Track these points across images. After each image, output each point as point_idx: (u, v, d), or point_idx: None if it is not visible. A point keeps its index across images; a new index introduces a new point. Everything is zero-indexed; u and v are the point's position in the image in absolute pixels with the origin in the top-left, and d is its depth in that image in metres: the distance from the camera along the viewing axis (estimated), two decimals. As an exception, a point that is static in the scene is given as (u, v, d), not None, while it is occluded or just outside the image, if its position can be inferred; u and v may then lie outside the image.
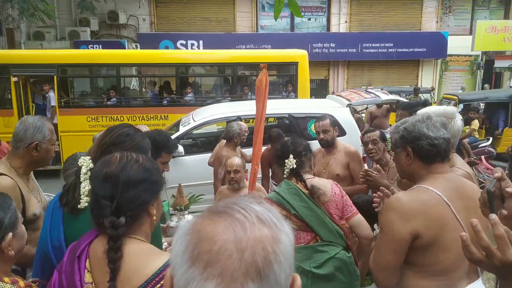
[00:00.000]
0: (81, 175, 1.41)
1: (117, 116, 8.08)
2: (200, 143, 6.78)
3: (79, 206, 1.40)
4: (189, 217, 2.62)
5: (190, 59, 9.15)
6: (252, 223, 0.61)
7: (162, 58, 9.19)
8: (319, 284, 2.11)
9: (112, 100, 8.61)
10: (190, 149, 6.06)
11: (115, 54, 9.06)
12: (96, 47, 13.08)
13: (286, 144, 2.42)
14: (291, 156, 2.33)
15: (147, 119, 8.27)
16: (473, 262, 1.01)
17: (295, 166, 2.32)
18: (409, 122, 1.63)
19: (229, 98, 8.80)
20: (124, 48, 13.18)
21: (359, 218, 2.32)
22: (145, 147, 1.56)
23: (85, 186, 1.40)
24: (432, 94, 13.69)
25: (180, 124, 5.87)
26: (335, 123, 3.65)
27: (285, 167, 2.32)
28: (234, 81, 9.17)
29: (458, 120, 2.22)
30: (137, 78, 10.66)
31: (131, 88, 10.36)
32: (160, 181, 1.28)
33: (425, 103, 3.21)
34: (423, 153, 1.57)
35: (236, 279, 0.57)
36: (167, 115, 8.26)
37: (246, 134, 4.46)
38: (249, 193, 3.08)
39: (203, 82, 11.28)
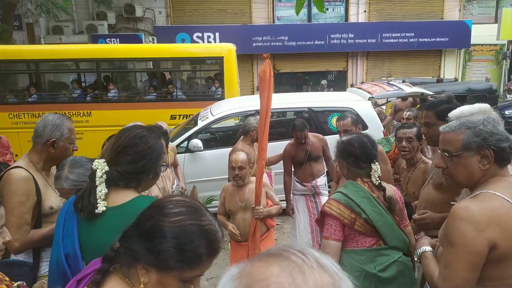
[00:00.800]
0: (96, 179, 1.34)
1: (39, 113, 7.80)
2: (218, 137, 6.71)
3: (96, 211, 1.34)
4: None
5: (110, 54, 8.53)
6: (311, 268, 0.54)
7: (81, 52, 8.52)
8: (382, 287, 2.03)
9: (33, 96, 8.32)
10: (209, 144, 5.99)
11: (32, 50, 8.53)
12: (113, 40, 13.11)
13: (368, 146, 2.16)
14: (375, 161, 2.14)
15: (70, 115, 7.96)
16: None
17: (380, 173, 2.15)
18: (487, 122, 1.47)
19: (155, 94, 8.46)
20: (141, 41, 13.16)
21: (410, 228, 2.24)
22: (159, 149, 1.50)
23: (101, 190, 1.34)
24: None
25: (198, 118, 5.80)
26: (357, 121, 3.50)
27: (371, 171, 2.13)
28: (158, 77, 8.67)
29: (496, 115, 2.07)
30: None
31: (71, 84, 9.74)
32: (167, 259, 1.00)
33: (449, 100, 3.00)
34: (504, 156, 1.44)
35: None
36: (90, 112, 8.06)
37: None
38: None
39: (129, 78, 10.62)
